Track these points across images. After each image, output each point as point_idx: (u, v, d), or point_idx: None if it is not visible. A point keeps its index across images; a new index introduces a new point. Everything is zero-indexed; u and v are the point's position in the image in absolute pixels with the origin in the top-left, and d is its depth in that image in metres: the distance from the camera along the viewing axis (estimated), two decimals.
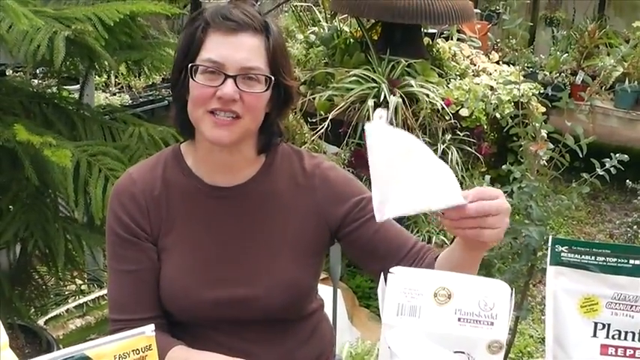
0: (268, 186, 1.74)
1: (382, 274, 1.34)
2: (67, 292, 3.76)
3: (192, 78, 1.60)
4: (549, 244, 1.48)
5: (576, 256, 1.47)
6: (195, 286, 1.68)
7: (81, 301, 3.58)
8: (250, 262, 1.70)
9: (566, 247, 1.47)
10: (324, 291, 2.01)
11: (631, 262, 1.45)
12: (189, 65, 1.60)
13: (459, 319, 1.28)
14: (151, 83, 6.10)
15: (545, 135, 3.34)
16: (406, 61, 4.23)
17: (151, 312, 1.69)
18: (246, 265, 1.70)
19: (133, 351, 1.17)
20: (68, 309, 3.51)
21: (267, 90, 1.62)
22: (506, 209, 1.44)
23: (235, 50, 1.59)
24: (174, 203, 1.71)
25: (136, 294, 1.70)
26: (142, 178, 1.72)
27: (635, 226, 4.13)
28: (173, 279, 1.69)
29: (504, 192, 3.15)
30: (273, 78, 1.63)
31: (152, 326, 1.19)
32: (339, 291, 2.51)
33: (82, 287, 3.77)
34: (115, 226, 1.70)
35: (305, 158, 1.78)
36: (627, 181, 4.12)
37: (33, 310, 3.19)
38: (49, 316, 3.42)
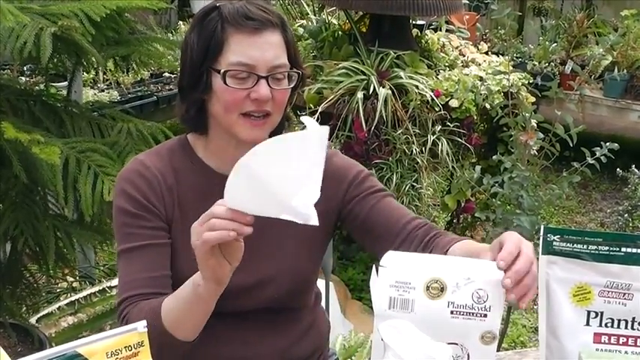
0: None
1: (374, 266, 1.33)
2: (58, 290, 3.75)
3: (224, 83, 1.58)
4: (541, 233, 1.48)
5: (568, 244, 1.46)
6: None
7: (72, 298, 3.56)
8: (256, 252, 1.68)
9: (558, 236, 1.47)
10: (317, 284, 2.01)
11: (623, 250, 1.45)
12: (224, 71, 1.58)
13: (452, 312, 1.27)
14: (139, 79, 6.09)
15: (535, 125, 3.35)
16: (395, 53, 4.21)
17: (164, 288, 1.62)
18: (252, 255, 1.68)
19: (125, 347, 1.17)
20: (60, 307, 3.49)
21: (292, 85, 1.65)
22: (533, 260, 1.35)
23: (263, 50, 1.59)
24: (184, 192, 1.69)
25: (147, 269, 1.62)
26: (154, 164, 1.69)
27: (626, 215, 4.14)
28: (185, 267, 1.63)
29: (495, 182, 3.16)
30: (301, 72, 1.65)
31: (144, 322, 1.19)
32: (331, 284, 2.50)
33: (74, 285, 3.76)
34: (125, 205, 1.65)
35: None
36: (618, 169, 4.13)
37: (24, 308, 3.18)
38: (41, 314, 3.40)
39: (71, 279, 3.70)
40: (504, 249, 1.33)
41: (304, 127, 1.30)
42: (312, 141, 1.26)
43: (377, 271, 1.32)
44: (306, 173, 1.26)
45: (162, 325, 1.49)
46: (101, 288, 3.63)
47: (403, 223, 1.70)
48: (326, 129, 1.26)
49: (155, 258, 1.64)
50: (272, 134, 1.73)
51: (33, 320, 3.29)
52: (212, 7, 1.64)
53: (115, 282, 3.69)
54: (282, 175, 1.24)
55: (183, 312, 1.49)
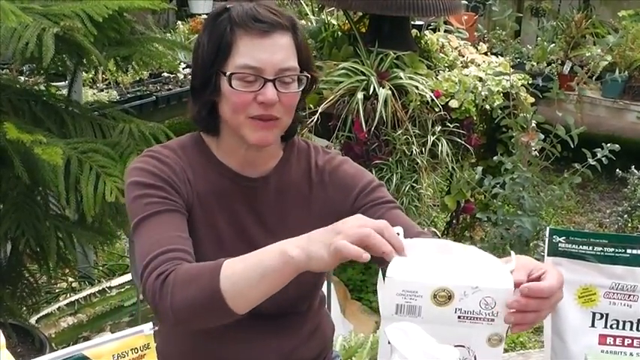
0: (286, 179, 1.74)
1: (380, 270, 1.32)
2: (58, 290, 3.75)
3: (230, 85, 1.57)
4: (547, 234, 1.48)
5: (573, 246, 1.47)
6: None
7: (72, 298, 3.55)
8: None
9: (564, 238, 1.47)
10: None
11: (628, 251, 1.45)
12: (229, 74, 1.57)
13: (459, 317, 1.27)
14: (138, 79, 6.07)
15: (535, 125, 3.35)
16: (395, 54, 4.21)
17: (192, 249, 1.55)
18: None
19: (131, 350, 1.17)
20: (60, 307, 3.48)
21: (301, 88, 1.63)
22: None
23: (271, 53, 1.57)
24: (201, 188, 1.68)
25: (174, 228, 1.56)
26: (171, 156, 1.67)
27: (625, 215, 4.15)
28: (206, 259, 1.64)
29: (496, 183, 3.16)
30: (310, 76, 1.64)
31: (150, 324, 1.18)
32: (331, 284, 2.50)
33: (73, 285, 3.76)
34: (144, 179, 1.60)
35: (319, 154, 1.79)
36: (617, 170, 4.13)
37: (24, 308, 3.17)
38: (41, 314, 3.39)
39: (71, 279, 3.70)
40: (548, 282, 1.32)
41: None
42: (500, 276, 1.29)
43: (383, 276, 1.30)
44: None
45: (218, 287, 1.39)
46: (101, 288, 3.63)
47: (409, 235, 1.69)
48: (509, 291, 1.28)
49: (180, 222, 1.59)
50: (283, 137, 1.73)
51: (33, 320, 3.29)
52: (223, 8, 1.63)
53: (115, 282, 3.69)
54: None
55: (255, 278, 1.39)
